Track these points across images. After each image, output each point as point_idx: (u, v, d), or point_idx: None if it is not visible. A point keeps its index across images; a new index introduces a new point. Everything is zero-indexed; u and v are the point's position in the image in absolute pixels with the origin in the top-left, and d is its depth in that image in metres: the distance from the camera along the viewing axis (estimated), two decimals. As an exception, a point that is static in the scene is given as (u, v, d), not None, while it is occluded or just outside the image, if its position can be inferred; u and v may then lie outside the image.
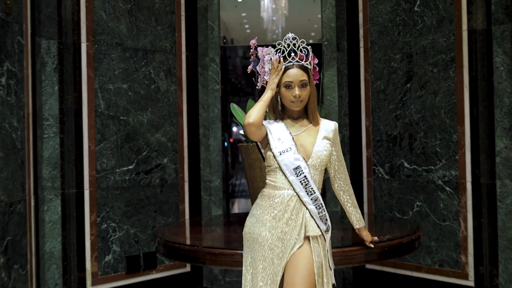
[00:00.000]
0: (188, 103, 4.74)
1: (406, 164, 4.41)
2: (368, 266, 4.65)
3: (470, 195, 4.03)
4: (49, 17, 3.95)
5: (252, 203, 2.94)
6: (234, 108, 3.85)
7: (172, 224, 4.10)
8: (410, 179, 4.39)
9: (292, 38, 2.74)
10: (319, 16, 4.89)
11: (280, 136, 2.68)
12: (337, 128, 2.78)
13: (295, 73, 2.67)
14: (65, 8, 3.98)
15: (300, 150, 2.67)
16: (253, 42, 3.87)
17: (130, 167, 4.36)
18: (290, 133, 2.68)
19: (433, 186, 4.23)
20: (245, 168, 3.77)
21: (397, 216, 4.46)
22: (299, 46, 2.73)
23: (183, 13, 4.70)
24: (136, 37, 4.40)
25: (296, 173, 2.66)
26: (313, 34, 5.20)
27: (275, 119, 2.79)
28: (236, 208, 6.15)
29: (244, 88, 5.99)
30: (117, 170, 4.28)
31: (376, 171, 4.63)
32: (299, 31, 6.44)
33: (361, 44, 4.70)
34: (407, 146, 4.40)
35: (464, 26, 4.02)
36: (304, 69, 2.69)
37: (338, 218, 3.81)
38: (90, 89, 4.13)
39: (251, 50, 3.86)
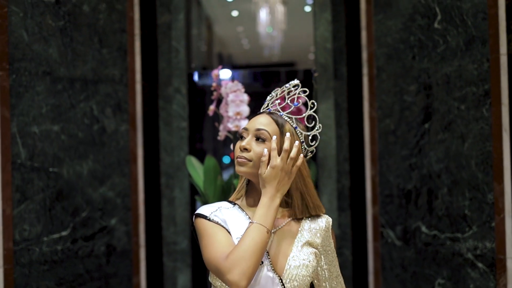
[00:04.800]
0: (144, 147, 3.81)
1: (424, 229, 3.43)
2: None
3: (512, 276, 3.03)
4: None
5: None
6: (192, 163, 2.86)
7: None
8: (430, 249, 3.40)
9: (293, 86, 1.85)
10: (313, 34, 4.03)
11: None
12: (330, 226, 1.79)
13: (257, 119, 1.79)
14: (-34, 27, 3.01)
15: (272, 265, 1.70)
16: (215, 73, 2.88)
17: (64, 233, 3.38)
18: None
19: (461, 260, 3.23)
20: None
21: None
22: (293, 95, 1.83)
23: (137, 31, 3.76)
24: (72, 63, 3.43)
25: None
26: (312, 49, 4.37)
27: (233, 203, 1.82)
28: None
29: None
30: (45, 238, 3.29)
31: (385, 234, 3.67)
32: (299, 47, 6.31)
33: (365, 70, 3.79)
34: (425, 205, 3.42)
35: (503, 49, 3.02)
36: (278, 121, 1.77)
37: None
38: (5, 134, 3.13)
39: (214, 85, 2.90)
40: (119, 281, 3.64)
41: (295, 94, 1.82)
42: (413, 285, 3.50)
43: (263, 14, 5.73)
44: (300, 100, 1.83)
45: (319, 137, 1.85)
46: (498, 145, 3.04)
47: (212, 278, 1.76)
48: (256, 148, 1.75)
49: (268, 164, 1.70)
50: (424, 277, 3.44)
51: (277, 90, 1.86)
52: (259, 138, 1.76)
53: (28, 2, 3.23)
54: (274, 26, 5.79)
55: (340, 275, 1.85)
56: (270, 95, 1.87)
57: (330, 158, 3.88)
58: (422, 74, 3.45)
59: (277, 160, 1.69)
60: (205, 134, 4.32)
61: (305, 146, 1.80)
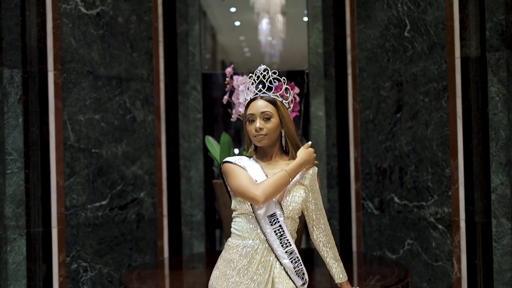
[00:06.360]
0: (167, 134, 4.51)
1: (396, 199, 4.15)
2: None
3: (464, 234, 3.75)
4: (12, 44, 3.69)
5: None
6: (210, 141, 3.61)
7: (146, 266, 3.83)
8: (401, 215, 4.12)
9: (263, 70, 2.55)
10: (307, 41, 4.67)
11: (257, 178, 2.46)
12: (316, 173, 2.56)
13: (257, 105, 2.48)
14: (30, 34, 3.74)
15: None
16: (228, 70, 3.65)
17: (103, 202, 4.10)
18: (267, 175, 2.47)
19: (425, 223, 3.96)
20: (219, 207, 3.52)
21: (387, 255, 4.21)
22: (269, 78, 2.52)
23: (161, 38, 4.47)
24: (109, 64, 4.16)
25: (270, 221, 2.43)
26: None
27: (249, 157, 2.58)
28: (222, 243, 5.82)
29: (229, 116, 5.71)
30: (89, 206, 4.02)
31: (365, 205, 4.38)
32: (297, 55, 6.52)
33: (349, 71, 4.48)
34: (397, 180, 4.14)
35: (457, 53, 3.76)
36: (270, 100, 2.47)
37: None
38: (58, 121, 3.87)
39: (227, 79, 3.65)
40: (146, 244, 4.35)
41: (270, 77, 2.52)
42: (388, 246, 4.22)
43: (264, 24, 5.94)
44: (276, 81, 2.54)
45: (293, 99, 2.58)
46: (453, 129, 3.79)
47: (236, 203, 2.48)
48: (267, 125, 2.47)
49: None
50: (397, 239, 4.16)
51: (252, 76, 2.55)
52: (265, 118, 2.50)
53: (75, 15, 3.97)
54: (274, 35, 5.96)
55: (323, 209, 2.58)
56: (249, 81, 2.55)
57: (321, 143, 4.56)
58: (395, 74, 4.16)
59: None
60: (217, 124, 4.95)
61: (289, 110, 2.55)
